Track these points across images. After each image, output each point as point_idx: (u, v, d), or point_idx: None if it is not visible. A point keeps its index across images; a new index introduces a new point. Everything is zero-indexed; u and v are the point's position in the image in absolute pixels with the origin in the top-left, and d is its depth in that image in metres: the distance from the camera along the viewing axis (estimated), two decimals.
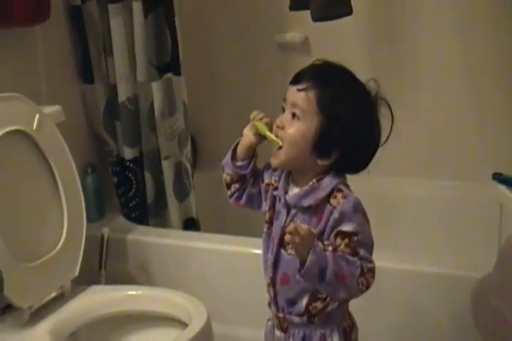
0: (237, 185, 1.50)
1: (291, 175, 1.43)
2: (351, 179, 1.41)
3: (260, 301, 1.50)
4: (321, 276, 1.29)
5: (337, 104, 1.33)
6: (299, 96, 1.34)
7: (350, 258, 1.31)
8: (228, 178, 1.51)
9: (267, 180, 1.48)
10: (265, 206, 1.48)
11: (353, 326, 1.47)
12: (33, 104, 1.86)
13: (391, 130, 1.38)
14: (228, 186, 1.51)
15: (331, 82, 1.35)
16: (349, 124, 1.33)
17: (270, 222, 1.45)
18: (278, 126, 1.37)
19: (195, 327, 1.72)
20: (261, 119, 1.41)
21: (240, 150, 1.46)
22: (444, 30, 2.49)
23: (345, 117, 1.33)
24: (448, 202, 2.54)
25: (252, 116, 1.43)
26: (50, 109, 1.97)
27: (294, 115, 1.35)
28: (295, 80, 1.37)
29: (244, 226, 2.30)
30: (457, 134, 2.55)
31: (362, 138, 1.35)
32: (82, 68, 2.33)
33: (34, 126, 1.84)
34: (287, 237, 1.29)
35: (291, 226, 1.28)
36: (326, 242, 1.33)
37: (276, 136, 1.37)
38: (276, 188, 1.44)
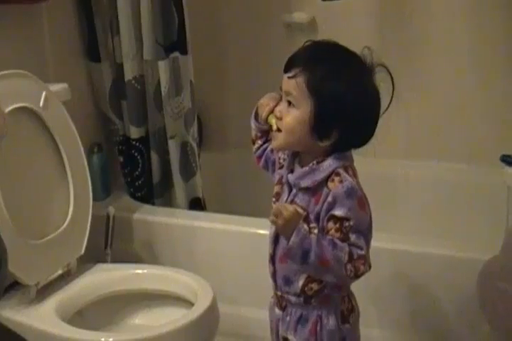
0: (259, 142, 1.53)
1: (298, 155, 1.43)
2: (357, 160, 1.41)
3: (266, 281, 1.50)
4: (304, 258, 1.30)
5: (326, 84, 1.32)
6: (291, 84, 1.34)
7: (338, 243, 1.31)
8: (253, 133, 1.54)
9: (280, 154, 1.48)
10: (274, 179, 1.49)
11: (352, 309, 1.47)
12: (39, 81, 1.86)
13: (392, 95, 1.37)
14: (253, 142, 1.54)
15: (319, 64, 1.34)
16: (342, 102, 1.32)
17: (277, 197, 1.45)
18: (277, 117, 1.38)
19: (201, 306, 1.72)
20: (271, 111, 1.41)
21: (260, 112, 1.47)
22: (456, 10, 2.46)
23: (336, 95, 1.32)
24: (455, 185, 2.52)
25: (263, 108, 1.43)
26: (56, 87, 1.97)
27: (289, 103, 1.36)
28: (286, 68, 1.36)
29: (250, 207, 2.30)
30: (466, 116, 2.54)
31: (358, 112, 1.34)
32: (88, 46, 2.32)
33: (41, 104, 1.83)
34: (270, 218, 1.31)
35: (275, 208, 1.30)
36: (312, 225, 1.34)
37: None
38: (282, 166, 1.45)
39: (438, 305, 1.94)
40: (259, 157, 1.54)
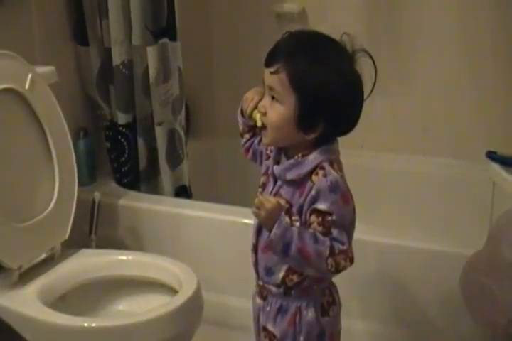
0: (247, 136, 1.53)
1: (284, 147, 1.42)
2: (344, 153, 1.40)
3: (250, 271, 1.50)
4: (285, 250, 1.31)
5: (307, 78, 1.31)
6: (273, 80, 1.33)
7: (320, 237, 1.31)
8: (241, 127, 1.54)
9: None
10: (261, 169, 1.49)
11: (333, 302, 1.47)
12: (25, 62, 1.84)
13: (375, 80, 1.36)
14: (241, 135, 1.55)
15: (298, 57, 1.32)
16: (325, 94, 1.31)
17: (263, 187, 1.45)
18: (261, 113, 1.37)
19: (185, 293, 1.72)
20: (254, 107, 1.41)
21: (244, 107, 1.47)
22: (446, 2, 2.46)
23: (319, 89, 1.31)
24: (441, 179, 2.53)
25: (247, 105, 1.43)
26: (43, 69, 1.95)
27: (273, 97, 1.35)
28: (266, 62, 1.35)
29: (236, 196, 2.29)
30: (452, 111, 2.54)
31: (342, 101, 1.33)
32: (76, 30, 2.30)
33: (27, 86, 1.81)
34: (253, 209, 1.31)
35: (257, 199, 1.31)
36: (294, 217, 1.34)
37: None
38: (268, 157, 1.45)
39: (421, 298, 1.94)
40: (247, 149, 1.54)
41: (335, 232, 1.32)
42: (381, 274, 1.97)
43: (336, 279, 1.47)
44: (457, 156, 2.52)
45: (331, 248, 1.30)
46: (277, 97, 1.34)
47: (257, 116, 1.39)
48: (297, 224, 1.34)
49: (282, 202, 1.34)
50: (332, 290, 1.48)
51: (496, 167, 2.05)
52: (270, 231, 1.31)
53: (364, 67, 1.36)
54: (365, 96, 1.37)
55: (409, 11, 2.50)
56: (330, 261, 1.31)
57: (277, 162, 1.42)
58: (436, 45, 2.50)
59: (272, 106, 1.35)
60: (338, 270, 1.32)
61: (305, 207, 1.34)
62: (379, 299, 2.00)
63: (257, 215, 1.32)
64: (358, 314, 1.98)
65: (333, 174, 1.34)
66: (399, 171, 2.61)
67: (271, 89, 1.34)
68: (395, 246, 1.96)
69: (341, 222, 1.33)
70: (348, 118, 1.37)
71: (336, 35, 1.37)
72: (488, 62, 2.45)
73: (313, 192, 1.33)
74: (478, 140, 2.47)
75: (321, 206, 1.32)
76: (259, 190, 1.46)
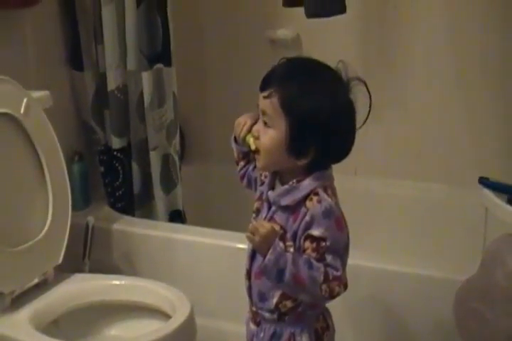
0: (242, 163, 1.54)
1: (278, 173, 1.42)
2: (338, 178, 1.41)
3: (244, 295, 1.49)
4: (279, 276, 1.30)
5: (299, 103, 1.31)
6: (266, 104, 1.34)
7: (314, 263, 1.31)
8: (235, 155, 1.54)
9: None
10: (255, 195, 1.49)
11: (327, 328, 1.46)
12: (21, 87, 1.84)
13: (370, 109, 1.36)
14: (236, 163, 1.55)
15: (292, 82, 1.33)
16: (316, 119, 1.31)
17: (257, 212, 1.45)
18: (255, 137, 1.38)
19: (178, 319, 1.71)
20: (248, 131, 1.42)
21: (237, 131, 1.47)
22: (437, 30, 2.47)
23: (309, 114, 1.31)
24: (434, 205, 2.53)
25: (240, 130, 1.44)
26: (38, 94, 1.95)
27: (265, 123, 1.35)
28: (261, 87, 1.36)
29: (230, 220, 2.28)
30: (445, 137, 2.55)
31: (333, 129, 1.33)
32: (71, 55, 2.31)
33: (22, 110, 1.82)
34: (247, 234, 1.31)
35: (251, 225, 1.30)
36: (288, 243, 1.34)
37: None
38: (263, 183, 1.45)
39: (414, 323, 1.93)
40: (243, 176, 1.54)
41: (329, 258, 1.31)
42: (373, 299, 1.97)
43: (329, 304, 1.46)
44: (450, 182, 2.52)
45: (325, 274, 1.30)
46: (269, 122, 1.34)
47: (251, 140, 1.39)
48: (291, 249, 1.34)
49: (277, 227, 1.34)
50: (326, 315, 1.47)
51: (488, 193, 2.05)
52: (264, 256, 1.30)
53: (358, 95, 1.37)
54: (359, 124, 1.37)
55: (404, 37, 2.52)
56: (324, 287, 1.30)
57: (272, 187, 1.42)
58: (429, 70, 2.51)
59: (265, 131, 1.35)
60: (332, 296, 1.32)
61: (299, 233, 1.34)
62: (372, 324, 1.99)
63: (251, 240, 1.32)
64: (351, 339, 1.97)
65: (327, 200, 1.34)
66: (392, 196, 2.61)
67: (264, 113, 1.35)
68: (388, 271, 1.96)
69: (335, 247, 1.32)
70: (339, 146, 1.37)
71: (330, 62, 1.37)
72: (481, 89, 2.46)
73: (307, 218, 1.33)
74: (471, 166, 2.47)
75: (315, 232, 1.32)
76: (253, 215, 1.46)
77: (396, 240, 2.50)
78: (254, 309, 1.46)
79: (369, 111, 1.37)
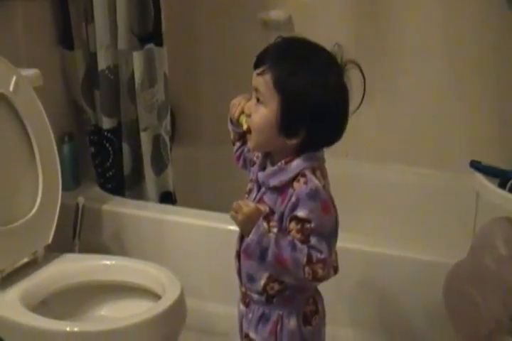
0: (238, 143, 1.54)
1: (270, 154, 1.42)
2: (329, 161, 1.40)
3: (234, 277, 1.49)
4: (262, 256, 1.30)
5: (292, 82, 1.31)
6: (259, 81, 1.33)
7: (298, 244, 1.30)
8: (232, 135, 1.54)
9: (256, 152, 1.48)
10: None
11: (316, 311, 1.46)
12: (10, 65, 1.82)
13: (364, 93, 1.35)
14: (233, 143, 1.55)
15: (286, 61, 1.32)
16: (307, 100, 1.31)
17: (249, 193, 1.44)
18: (246, 114, 1.38)
19: (168, 299, 1.71)
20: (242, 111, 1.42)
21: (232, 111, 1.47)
22: (430, 13, 2.47)
23: (301, 93, 1.31)
24: (424, 189, 2.54)
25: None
26: (28, 72, 1.93)
27: (258, 99, 1.35)
28: (255, 64, 1.35)
29: (220, 202, 2.27)
30: (436, 121, 2.55)
31: (325, 110, 1.32)
32: (62, 34, 2.29)
33: (11, 88, 1.80)
34: (230, 213, 1.31)
35: (235, 203, 1.31)
36: (272, 223, 1.34)
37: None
38: (254, 164, 1.45)
39: (407, 307, 1.94)
40: (238, 157, 1.54)
41: (313, 240, 1.31)
42: (366, 282, 1.97)
43: (322, 287, 1.46)
44: (441, 166, 2.53)
45: (309, 256, 1.29)
46: (261, 99, 1.34)
47: (244, 120, 1.40)
48: (275, 230, 1.33)
49: (261, 207, 1.34)
50: (316, 299, 1.46)
51: (479, 177, 2.05)
52: (247, 235, 1.30)
53: (352, 78, 1.36)
54: (352, 107, 1.36)
55: (395, 22, 2.51)
56: (307, 269, 1.30)
57: (263, 168, 1.41)
58: (421, 56, 2.50)
59: (257, 109, 1.35)
60: (315, 279, 1.31)
61: (286, 214, 1.34)
62: (364, 307, 2.00)
63: (234, 218, 1.32)
64: (344, 322, 1.98)
65: (313, 181, 1.33)
66: (383, 181, 2.62)
67: (256, 90, 1.34)
68: (380, 254, 1.96)
69: (320, 230, 1.31)
70: (330, 128, 1.35)
71: (322, 44, 1.36)
72: (473, 74, 2.46)
73: (293, 199, 1.32)
74: (462, 150, 2.48)
75: (300, 213, 1.31)
76: (246, 196, 1.45)
77: (387, 224, 2.51)
78: (243, 290, 1.46)
79: (363, 95, 1.35)
